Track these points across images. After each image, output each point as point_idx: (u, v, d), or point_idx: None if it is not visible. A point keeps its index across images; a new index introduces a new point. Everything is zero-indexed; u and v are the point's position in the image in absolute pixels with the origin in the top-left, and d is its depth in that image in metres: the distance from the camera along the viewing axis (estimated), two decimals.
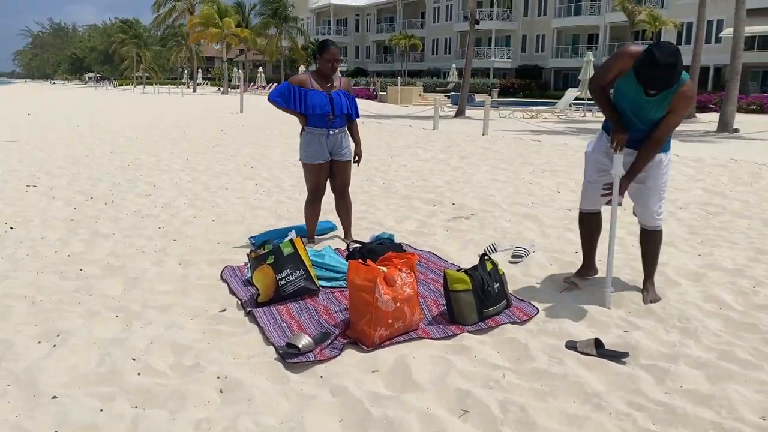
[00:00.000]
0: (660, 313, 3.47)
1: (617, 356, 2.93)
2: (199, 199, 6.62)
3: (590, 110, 23.58)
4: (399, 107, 31.19)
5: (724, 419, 2.39)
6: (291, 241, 3.82)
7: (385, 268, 3.19)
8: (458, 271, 3.42)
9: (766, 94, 26.03)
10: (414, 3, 57.11)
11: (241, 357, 3.02)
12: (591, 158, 3.76)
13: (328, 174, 4.80)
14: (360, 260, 3.29)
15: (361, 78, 52.35)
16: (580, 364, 2.87)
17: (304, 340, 3.04)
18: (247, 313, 3.55)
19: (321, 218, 5.71)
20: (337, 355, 2.99)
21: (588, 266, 4.02)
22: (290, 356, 2.98)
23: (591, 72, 23.57)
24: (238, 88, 36.20)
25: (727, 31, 28.27)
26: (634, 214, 3.79)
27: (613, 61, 3.47)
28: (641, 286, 3.80)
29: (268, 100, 4.60)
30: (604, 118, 3.71)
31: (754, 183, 7.49)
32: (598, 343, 2.99)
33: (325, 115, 4.56)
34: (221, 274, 4.14)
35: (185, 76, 61.56)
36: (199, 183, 7.65)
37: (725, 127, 15.63)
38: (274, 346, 3.09)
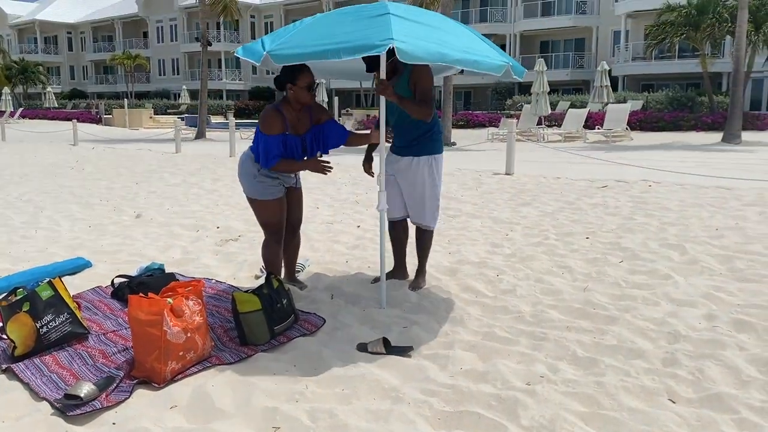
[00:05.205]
0: (429, 307, 3.86)
1: (404, 351, 3.21)
2: None
3: None
4: (129, 131, 29.33)
5: (500, 390, 2.77)
6: (49, 282, 3.43)
7: (170, 299, 3.05)
8: (246, 292, 3.41)
9: (470, 111, 30.02)
10: (134, 21, 54.16)
11: (9, 419, 2.64)
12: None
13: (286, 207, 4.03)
14: (141, 294, 3.10)
15: (80, 100, 47.97)
16: (373, 364, 3.07)
17: (85, 388, 2.77)
18: (3, 371, 3.09)
19: (74, 255, 5.19)
20: (126, 398, 2.78)
21: (398, 268, 4.37)
22: (71, 408, 2.68)
23: (325, 95, 24.83)
24: None
25: None
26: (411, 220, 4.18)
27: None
28: (408, 284, 4.22)
29: (269, 168, 3.77)
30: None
31: (478, 188, 8.68)
32: (385, 342, 3.24)
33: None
34: None
35: None
36: None
37: (444, 140, 17.72)
38: (49, 401, 2.76)
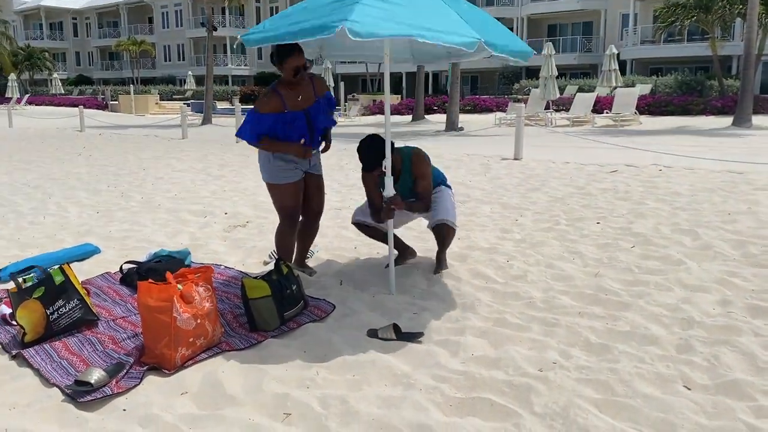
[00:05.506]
0: (440, 293, 3.83)
1: (414, 337, 3.18)
2: None
3: None
4: (135, 117, 29.31)
5: (512, 377, 2.75)
6: (60, 268, 3.42)
7: (180, 286, 3.03)
8: (255, 278, 3.39)
9: (477, 96, 29.80)
10: (139, 7, 53.92)
11: (19, 405, 2.63)
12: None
13: (303, 193, 4.01)
14: (151, 280, 3.08)
15: (86, 86, 47.94)
16: (383, 350, 3.05)
17: (96, 375, 2.76)
18: (14, 357, 3.09)
19: (82, 241, 5.19)
20: (137, 384, 2.77)
21: (402, 253, 4.40)
22: (81, 395, 2.68)
23: (331, 80, 24.71)
24: None
25: None
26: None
27: (366, 184, 3.99)
28: (418, 271, 4.21)
29: (243, 138, 3.78)
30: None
31: (486, 173, 8.62)
32: (396, 328, 3.21)
33: (300, 138, 3.80)
34: None
35: None
36: None
37: (452, 126, 17.63)
38: (59, 387, 2.75)
